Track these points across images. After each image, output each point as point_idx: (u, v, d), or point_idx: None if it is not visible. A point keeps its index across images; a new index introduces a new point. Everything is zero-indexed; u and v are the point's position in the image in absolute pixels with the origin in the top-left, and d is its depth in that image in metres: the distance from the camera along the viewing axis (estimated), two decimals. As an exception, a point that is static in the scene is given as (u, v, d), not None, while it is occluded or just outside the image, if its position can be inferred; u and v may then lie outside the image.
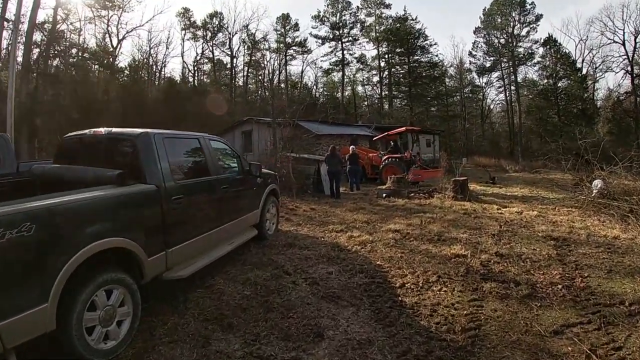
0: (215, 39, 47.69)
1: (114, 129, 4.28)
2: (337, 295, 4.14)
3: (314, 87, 53.15)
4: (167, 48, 55.31)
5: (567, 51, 41.92)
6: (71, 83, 26.65)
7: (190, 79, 47.13)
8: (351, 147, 14.92)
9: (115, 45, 37.88)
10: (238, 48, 47.70)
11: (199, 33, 47.26)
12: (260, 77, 49.71)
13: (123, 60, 44.79)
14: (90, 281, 2.93)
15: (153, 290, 4.04)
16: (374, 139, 21.70)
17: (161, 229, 3.71)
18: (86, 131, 4.49)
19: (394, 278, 4.68)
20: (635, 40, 36.64)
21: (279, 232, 7.07)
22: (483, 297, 4.08)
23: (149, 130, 4.01)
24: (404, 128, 18.77)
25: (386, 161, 16.80)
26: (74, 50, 29.37)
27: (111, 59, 34.87)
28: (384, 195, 11.92)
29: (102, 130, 4.31)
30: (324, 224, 7.94)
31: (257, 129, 21.99)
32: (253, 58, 49.01)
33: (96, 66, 33.48)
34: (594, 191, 9.24)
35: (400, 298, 4.08)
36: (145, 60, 42.14)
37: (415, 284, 4.47)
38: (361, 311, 3.79)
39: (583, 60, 41.63)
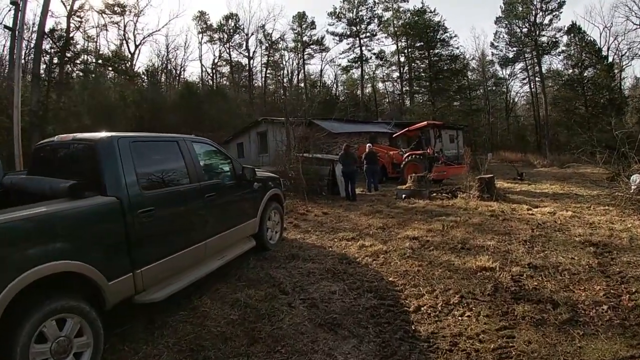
0: (232, 40, 47.76)
1: (79, 135, 3.77)
2: (338, 323, 3.49)
3: (334, 85, 52.55)
4: (185, 52, 55.95)
5: (591, 39, 40.06)
6: (85, 90, 26.76)
7: (210, 82, 47.24)
8: (367, 145, 14.21)
9: (132, 51, 38.29)
10: (255, 49, 47.58)
11: (216, 36, 47.41)
12: (279, 77, 49.40)
13: (142, 66, 45.41)
14: (35, 311, 2.52)
15: (130, 312, 3.57)
16: (394, 135, 20.86)
17: (125, 247, 3.17)
18: (54, 138, 4.01)
19: (408, 299, 4.00)
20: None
21: (283, 241, 6.45)
22: (515, 323, 3.35)
23: (113, 134, 3.47)
24: (424, 123, 17.87)
25: (407, 158, 16.00)
26: (89, 57, 29.63)
27: (128, 64, 35.08)
28: (403, 196, 11.14)
29: (69, 136, 3.82)
30: (335, 230, 7.29)
31: (271, 129, 21.48)
32: (271, 58, 48.75)
33: (112, 73, 33.71)
34: (633, 187, 8.48)
35: (413, 327, 3.40)
36: (163, 64, 42.45)
37: (433, 306, 3.78)
38: (364, 344, 3.13)
39: (608, 48, 39.78)
